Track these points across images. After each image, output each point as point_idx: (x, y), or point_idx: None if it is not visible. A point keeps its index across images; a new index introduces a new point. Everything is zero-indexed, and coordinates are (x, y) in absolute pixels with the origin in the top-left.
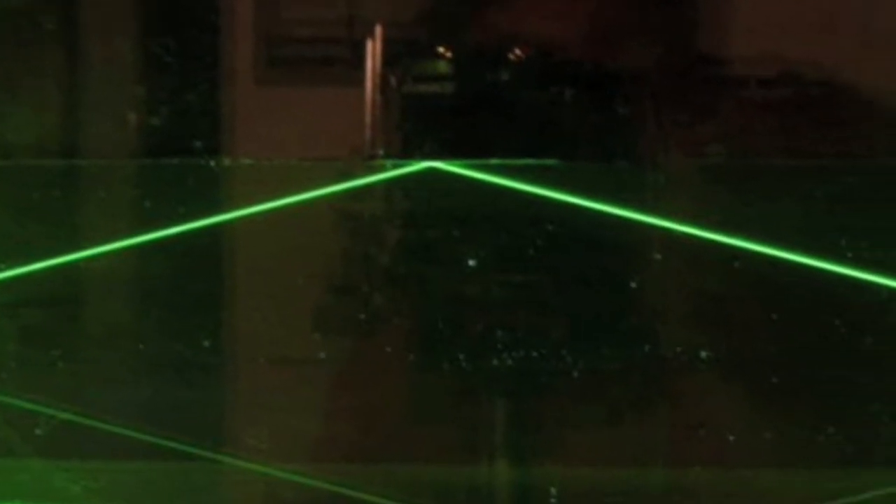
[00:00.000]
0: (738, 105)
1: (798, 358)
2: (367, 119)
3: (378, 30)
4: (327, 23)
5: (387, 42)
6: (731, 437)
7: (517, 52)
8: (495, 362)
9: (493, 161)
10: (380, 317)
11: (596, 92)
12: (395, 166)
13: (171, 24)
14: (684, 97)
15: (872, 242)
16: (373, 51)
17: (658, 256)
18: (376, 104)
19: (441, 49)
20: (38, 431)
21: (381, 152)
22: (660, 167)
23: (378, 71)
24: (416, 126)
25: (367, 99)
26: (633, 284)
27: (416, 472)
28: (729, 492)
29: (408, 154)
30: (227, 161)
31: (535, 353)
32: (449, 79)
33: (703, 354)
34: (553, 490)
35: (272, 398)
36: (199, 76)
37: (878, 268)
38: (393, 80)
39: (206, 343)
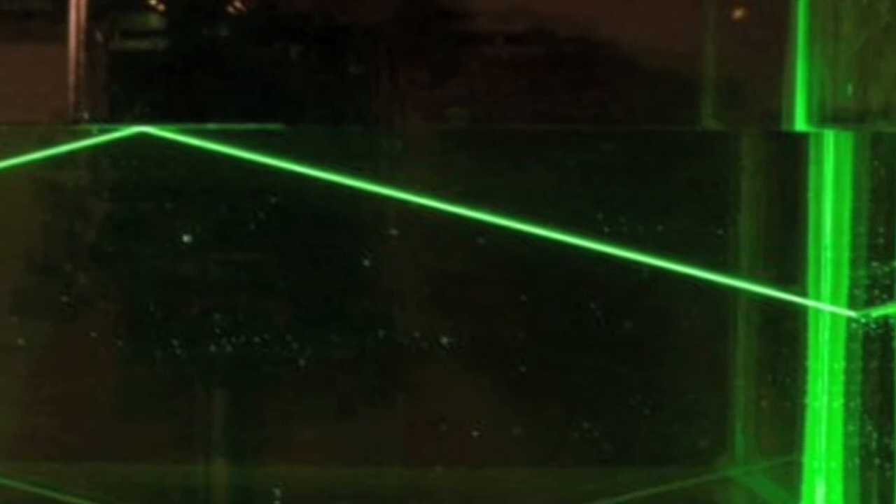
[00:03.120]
0: (483, 64)
1: (550, 345)
2: (71, 79)
3: None
4: None
5: None
6: (476, 433)
7: (237, 4)
8: (213, 349)
9: (211, 126)
10: (85, 299)
11: (325, 48)
12: (102, 131)
13: None
14: (423, 55)
15: (633, 216)
16: (77, 3)
17: (394, 232)
18: (81, 62)
19: (152, 1)
20: None
21: (86, 116)
22: (396, 132)
23: (83, 25)
24: (125, 87)
25: (71, 56)
26: (367, 263)
27: (126, 472)
28: (472, 493)
29: (116, 118)
30: None
31: (257, 339)
32: (161, 34)
33: (445, 341)
34: (277, 492)
35: None
36: None
37: (638, 244)
38: (99, 36)
39: None
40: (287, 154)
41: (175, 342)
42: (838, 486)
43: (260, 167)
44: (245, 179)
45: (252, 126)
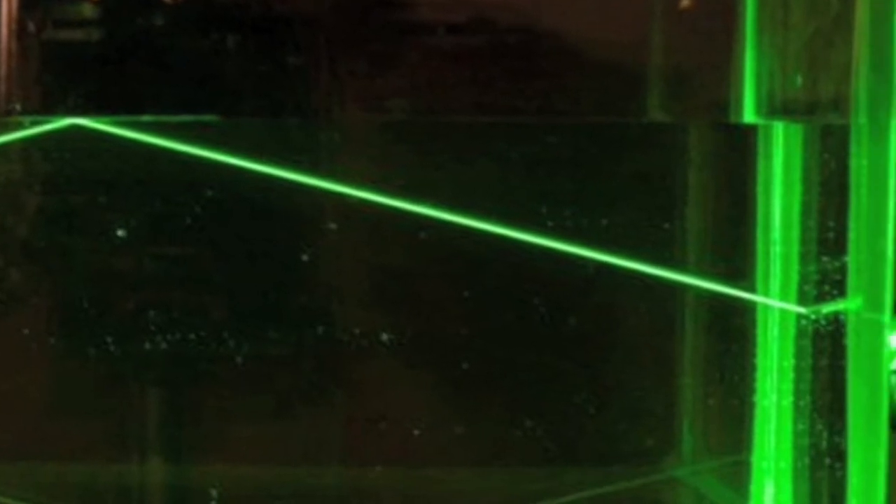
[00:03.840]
0: (425, 54)
1: (493, 342)
2: (2, 70)
3: None
4: None
5: None
6: (417, 432)
7: None
8: (148, 346)
9: (146, 118)
10: (16, 295)
11: (263, 38)
12: (35, 123)
13: None
14: (363, 45)
15: (577, 210)
16: None
17: (333, 226)
18: (12, 53)
19: None
20: None
21: (17, 107)
22: (335, 124)
23: (14, 15)
24: (57, 78)
25: (2, 47)
26: (306, 258)
27: (60, 472)
28: (414, 493)
29: (49, 109)
30: None
31: (193, 336)
32: (95, 24)
33: (385, 337)
34: (214, 492)
35: None
36: None
37: (583, 238)
38: (31, 26)
39: None
40: (224, 146)
41: (109, 339)
42: (788, 487)
43: (196, 160)
44: (181, 173)
45: (188, 118)
